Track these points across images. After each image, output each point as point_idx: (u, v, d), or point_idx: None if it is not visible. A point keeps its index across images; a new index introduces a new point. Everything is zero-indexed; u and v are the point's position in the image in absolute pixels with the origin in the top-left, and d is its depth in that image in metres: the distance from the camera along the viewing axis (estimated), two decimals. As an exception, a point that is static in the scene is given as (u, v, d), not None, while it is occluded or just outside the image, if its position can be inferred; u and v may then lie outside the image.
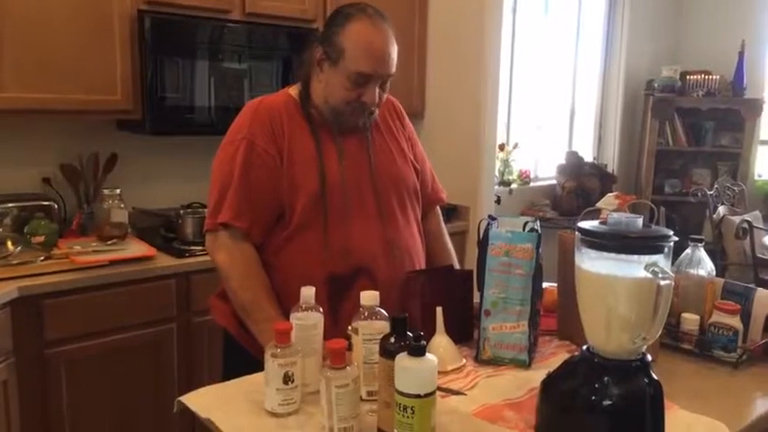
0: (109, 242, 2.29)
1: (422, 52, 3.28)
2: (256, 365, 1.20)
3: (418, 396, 0.92)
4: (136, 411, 2.21)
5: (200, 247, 2.23)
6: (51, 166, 2.46)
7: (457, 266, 1.74)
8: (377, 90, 1.45)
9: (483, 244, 1.37)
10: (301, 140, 1.48)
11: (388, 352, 1.02)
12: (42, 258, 2.11)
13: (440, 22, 3.25)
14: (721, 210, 3.89)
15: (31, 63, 2.14)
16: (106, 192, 2.38)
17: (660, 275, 0.95)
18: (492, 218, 1.41)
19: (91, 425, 2.12)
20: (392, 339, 1.03)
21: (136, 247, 2.29)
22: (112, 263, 2.14)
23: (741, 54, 4.44)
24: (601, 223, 1.05)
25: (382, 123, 1.61)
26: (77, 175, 2.47)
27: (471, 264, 1.42)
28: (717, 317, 1.42)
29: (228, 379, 1.30)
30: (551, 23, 4.36)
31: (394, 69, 1.46)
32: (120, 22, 2.29)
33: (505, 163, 4.07)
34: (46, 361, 2.01)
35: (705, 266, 1.53)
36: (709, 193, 4.06)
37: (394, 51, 1.45)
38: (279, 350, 1.12)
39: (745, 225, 3.36)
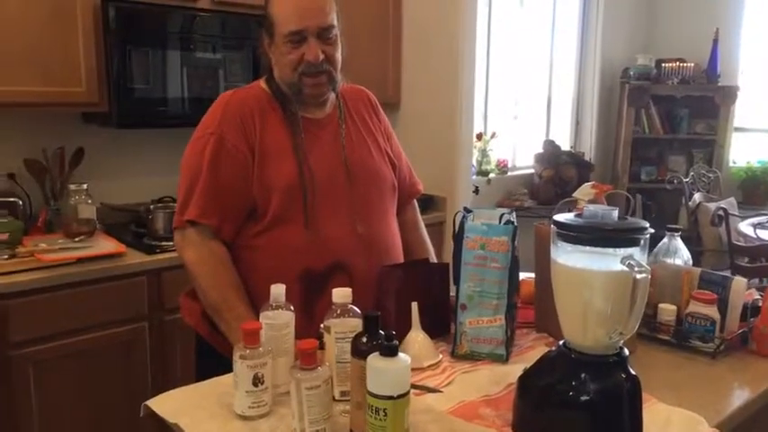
0: (76, 239, 2.22)
1: (396, 42, 3.22)
2: (229, 365, 1.16)
3: (391, 397, 0.89)
4: (108, 413, 2.14)
5: (171, 243, 2.15)
6: (15, 161, 2.37)
7: (433, 259, 1.71)
8: (317, 45, 1.40)
9: (458, 237, 1.34)
10: (275, 134, 1.44)
11: (359, 352, 0.98)
12: (6, 257, 2.04)
13: (415, 11, 3.20)
14: (697, 197, 3.92)
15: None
16: (73, 187, 2.31)
17: (636, 269, 0.93)
18: (467, 210, 1.38)
19: (61, 428, 2.06)
20: (364, 339, 1.00)
21: (105, 244, 2.22)
22: (80, 260, 2.07)
23: (715, 42, 4.47)
24: (576, 215, 1.02)
25: (358, 117, 1.58)
26: (43, 170, 2.39)
27: (449, 255, 1.40)
28: (693, 307, 1.41)
29: (202, 378, 1.26)
30: (527, 11, 4.34)
31: (329, 20, 1.42)
32: (83, 12, 2.20)
33: (483, 152, 4.05)
34: (12, 363, 1.94)
35: (682, 256, 1.52)
36: (684, 180, 4.09)
37: (322, 1, 1.42)
38: (248, 351, 1.08)
39: (721, 212, 3.39)
